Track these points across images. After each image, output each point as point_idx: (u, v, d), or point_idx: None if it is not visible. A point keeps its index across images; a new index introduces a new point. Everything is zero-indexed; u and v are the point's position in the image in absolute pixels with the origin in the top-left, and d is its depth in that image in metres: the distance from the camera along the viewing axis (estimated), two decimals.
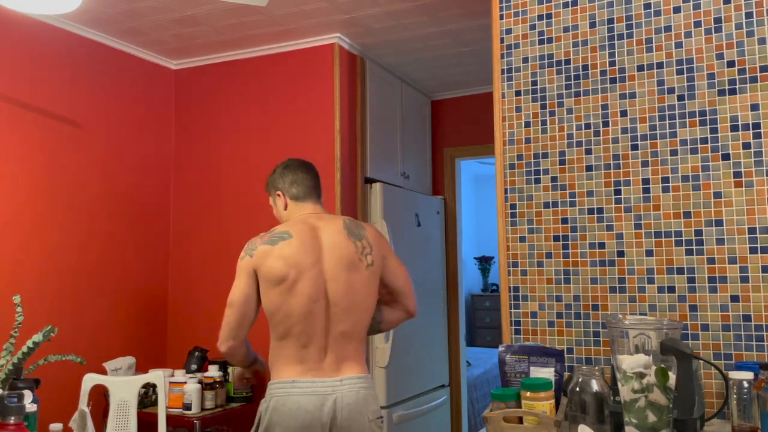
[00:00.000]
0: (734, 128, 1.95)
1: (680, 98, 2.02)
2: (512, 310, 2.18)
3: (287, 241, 2.21)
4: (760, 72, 1.94)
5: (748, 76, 1.95)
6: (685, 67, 2.02)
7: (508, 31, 2.26)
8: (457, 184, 4.71)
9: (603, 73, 2.12)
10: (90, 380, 2.93)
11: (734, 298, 1.91)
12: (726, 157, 1.96)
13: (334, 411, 2.12)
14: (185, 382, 3.28)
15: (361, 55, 3.84)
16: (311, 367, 2.16)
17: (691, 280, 1.96)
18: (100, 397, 3.28)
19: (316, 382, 2.14)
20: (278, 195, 2.44)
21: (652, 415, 1.41)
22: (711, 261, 1.95)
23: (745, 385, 1.57)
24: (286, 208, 2.43)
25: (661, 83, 2.05)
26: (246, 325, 2.22)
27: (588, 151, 2.12)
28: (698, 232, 1.97)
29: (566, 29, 2.18)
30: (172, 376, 3.40)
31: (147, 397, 3.37)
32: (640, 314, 2.01)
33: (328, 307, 2.20)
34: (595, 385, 1.58)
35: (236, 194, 3.80)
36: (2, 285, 3.04)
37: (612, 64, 2.11)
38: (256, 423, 2.18)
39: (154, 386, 3.38)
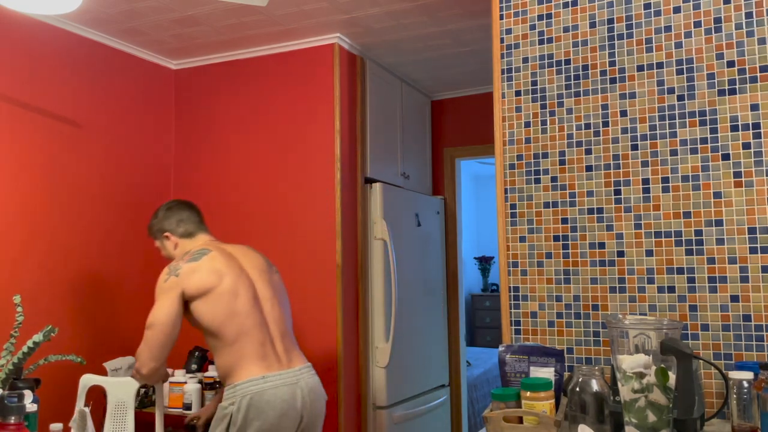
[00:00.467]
0: (734, 128, 1.96)
1: (680, 98, 2.02)
2: (512, 310, 2.18)
3: (209, 255, 2.42)
4: (760, 72, 1.94)
5: (748, 76, 1.95)
6: (685, 67, 2.02)
7: (508, 31, 2.26)
8: (457, 184, 4.71)
9: (603, 73, 2.12)
10: (87, 381, 2.92)
11: (734, 298, 1.91)
12: (726, 157, 1.96)
13: (302, 397, 2.35)
14: (185, 382, 3.28)
15: (361, 55, 3.84)
16: (273, 361, 2.36)
17: (691, 280, 1.96)
18: (101, 397, 3.28)
19: (283, 374, 2.34)
20: (166, 237, 2.61)
21: (652, 415, 1.41)
22: (711, 261, 1.95)
23: (745, 385, 1.57)
24: (176, 247, 2.60)
25: (661, 83, 2.05)
26: (169, 346, 2.34)
27: (588, 151, 2.12)
28: (698, 232, 1.97)
29: (566, 29, 2.18)
30: (172, 376, 3.40)
31: (147, 397, 3.37)
32: (640, 314, 2.01)
33: (262, 306, 2.45)
34: (595, 385, 1.58)
35: (236, 194, 3.80)
36: (2, 285, 3.04)
37: (612, 64, 2.11)
38: (225, 425, 2.28)
39: (153, 386, 3.38)
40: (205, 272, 2.37)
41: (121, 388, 2.99)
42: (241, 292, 2.40)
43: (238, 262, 2.48)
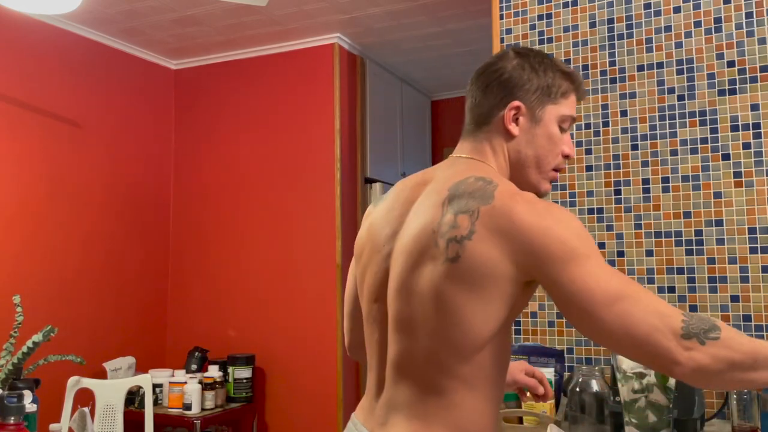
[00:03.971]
0: (734, 128, 1.95)
1: (680, 98, 2.02)
2: None
3: (382, 201, 1.31)
4: (760, 72, 1.93)
5: (748, 76, 1.95)
6: (685, 67, 2.02)
7: (508, 31, 2.26)
8: None
9: (603, 73, 2.12)
10: (74, 382, 2.91)
11: (734, 298, 1.91)
12: (726, 157, 1.96)
13: None
14: (185, 382, 3.28)
15: (361, 55, 3.84)
16: (365, 402, 1.24)
17: (691, 280, 1.96)
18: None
19: (359, 427, 1.21)
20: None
21: (652, 415, 1.41)
22: (711, 261, 1.95)
23: None
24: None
25: (661, 83, 2.05)
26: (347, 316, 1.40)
27: (588, 151, 2.12)
28: (698, 232, 1.97)
29: (566, 29, 2.18)
30: (172, 376, 3.40)
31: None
32: None
33: (386, 315, 1.18)
34: (595, 385, 1.58)
35: (236, 194, 3.80)
36: (2, 285, 3.04)
37: (612, 64, 2.11)
38: None
39: (154, 386, 3.38)
40: (362, 228, 1.35)
41: (109, 391, 2.98)
42: (368, 282, 1.26)
43: (399, 227, 1.20)
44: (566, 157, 1.20)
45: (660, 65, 2.05)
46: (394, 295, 1.13)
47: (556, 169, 1.21)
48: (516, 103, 1.17)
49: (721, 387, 1.01)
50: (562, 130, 1.18)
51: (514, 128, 1.17)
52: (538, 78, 1.18)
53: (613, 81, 2.10)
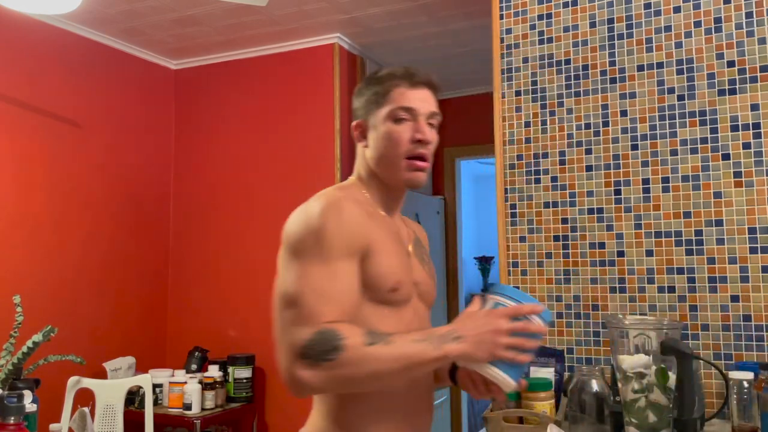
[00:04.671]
0: (734, 128, 1.95)
1: (680, 98, 2.02)
2: None
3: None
4: (760, 72, 1.93)
5: (748, 76, 1.95)
6: (685, 67, 2.02)
7: (508, 31, 2.25)
8: (457, 184, 4.71)
9: (603, 73, 2.12)
10: (74, 382, 2.91)
11: (734, 298, 1.91)
12: (726, 157, 1.96)
13: None
14: (185, 382, 3.28)
15: (361, 55, 3.84)
16: None
17: (691, 280, 1.96)
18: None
19: None
20: None
21: (653, 415, 1.41)
22: (711, 261, 1.95)
23: (745, 385, 1.57)
24: None
25: (661, 83, 2.05)
26: None
27: (588, 151, 2.12)
28: (698, 232, 1.97)
29: (566, 29, 2.18)
30: (172, 376, 3.40)
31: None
32: (640, 314, 2.01)
33: None
34: (595, 385, 1.58)
35: (236, 194, 3.80)
36: (2, 285, 3.04)
37: (612, 64, 2.11)
38: None
39: (155, 386, 3.38)
40: None
41: (109, 391, 2.98)
42: None
43: None
44: (418, 141, 1.31)
45: (660, 65, 2.05)
46: None
47: (412, 157, 1.32)
48: (353, 123, 1.40)
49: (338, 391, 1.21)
50: (401, 121, 1.32)
51: (360, 142, 1.38)
52: (363, 96, 1.38)
53: (613, 81, 2.10)
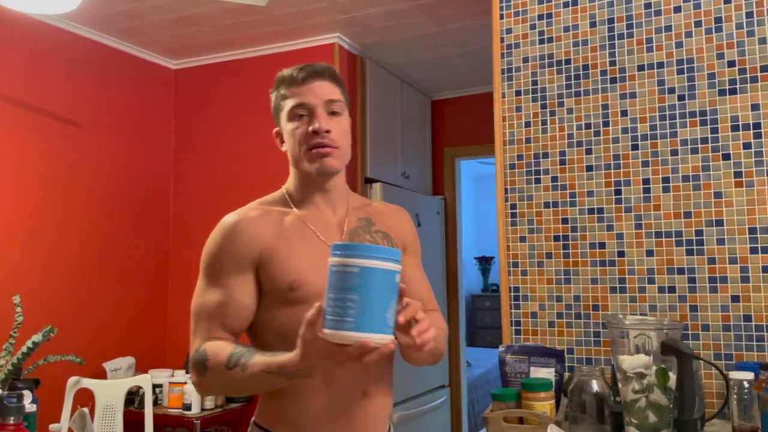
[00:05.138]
0: (735, 128, 1.95)
1: (680, 98, 2.02)
2: (512, 311, 2.17)
3: None
4: (761, 72, 1.93)
5: (748, 75, 1.95)
6: (685, 66, 2.02)
7: (508, 31, 2.25)
8: (457, 184, 4.71)
9: (603, 72, 2.12)
10: (74, 382, 2.91)
11: (735, 299, 1.91)
12: (726, 157, 1.95)
13: None
14: (185, 383, 3.28)
15: (361, 54, 3.83)
16: None
17: (692, 280, 1.96)
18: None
19: None
20: None
21: (653, 415, 1.41)
22: (711, 261, 1.94)
23: (746, 385, 1.57)
24: None
25: (661, 83, 2.04)
26: None
27: (588, 151, 2.12)
28: (698, 232, 1.97)
29: (566, 29, 2.18)
30: (172, 376, 3.40)
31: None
32: (641, 314, 2.00)
33: None
34: (595, 386, 1.58)
35: (236, 194, 3.80)
36: (2, 285, 3.04)
37: (612, 63, 2.11)
38: None
39: (154, 386, 3.38)
40: None
41: (108, 391, 2.98)
42: None
43: None
44: (315, 132, 1.39)
45: (660, 65, 2.05)
46: None
47: (313, 147, 1.40)
48: (273, 131, 1.56)
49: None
50: (299, 117, 1.43)
51: (282, 147, 1.52)
52: (271, 106, 1.53)
53: (613, 81, 2.10)
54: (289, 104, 1.45)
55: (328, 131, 1.40)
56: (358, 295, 1.02)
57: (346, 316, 1.02)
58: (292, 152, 1.45)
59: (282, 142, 1.51)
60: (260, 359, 1.21)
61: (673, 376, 1.41)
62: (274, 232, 1.36)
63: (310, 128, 1.40)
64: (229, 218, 1.38)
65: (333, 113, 1.45)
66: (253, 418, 1.43)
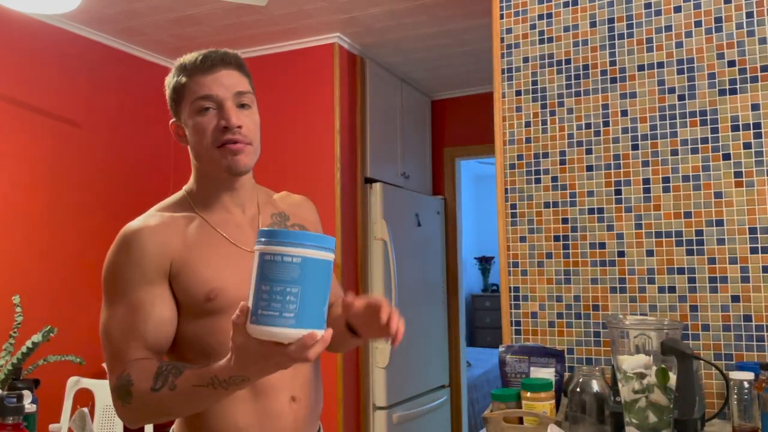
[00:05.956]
0: (735, 128, 1.95)
1: (681, 98, 2.02)
2: (512, 311, 2.17)
3: None
4: (761, 72, 1.93)
5: (748, 75, 1.95)
6: (685, 66, 2.02)
7: (509, 31, 2.25)
8: (457, 184, 4.71)
9: (603, 72, 2.12)
10: (74, 383, 2.90)
11: (735, 299, 1.91)
12: (726, 157, 1.95)
13: None
14: None
15: (361, 54, 3.83)
16: None
17: (692, 280, 1.96)
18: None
19: None
20: None
21: (653, 415, 1.40)
22: (711, 261, 1.94)
23: (746, 385, 1.57)
24: None
25: (661, 83, 2.04)
26: None
27: (588, 151, 2.12)
28: (699, 232, 1.97)
29: (566, 29, 2.18)
30: None
31: None
32: (641, 314, 2.00)
33: None
34: (595, 386, 1.58)
35: None
36: (2, 285, 3.04)
37: (612, 63, 2.11)
38: None
39: None
40: None
41: (108, 391, 2.97)
42: None
43: None
44: (225, 128, 1.24)
45: (660, 65, 2.05)
46: None
47: (224, 144, 1.25)
48: (169, 123, 1.37)
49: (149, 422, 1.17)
50: (205, 110, 1.26)
51: (182, 142, 1.35)
52: (166, 94, 1.36)
53: (613, 81, 2.10)
54: (191, 95, 1.28)
55: (239, 126, 1.25)
56: (300, 287, 0.92)
57: (285, 311, 0.92)
58: (196, 149, 1.29)
59: (180, 136, 1.34)
60: (190, 373, 1.08)
61: (673, 376, 1.41)
62: (181, 240, 1.25)
63: (222, 123, 1.25)
64: (129, 228, 1.26)
65: (242, 105, 1.28)
66: (170, 429, 1.33)
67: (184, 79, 1.29)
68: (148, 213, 1.33)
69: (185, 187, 1.37)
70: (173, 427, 1.31)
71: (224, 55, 1.29)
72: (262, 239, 0.95)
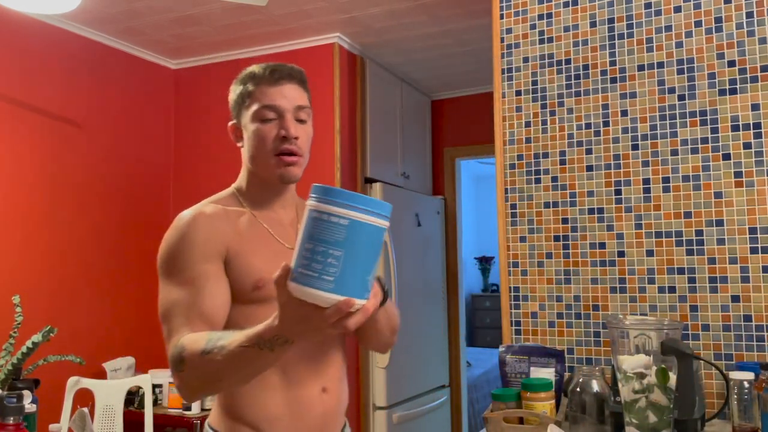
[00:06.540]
0: (735, 128, 1.95)
1: (681, 98, 2.02)
2: (512, 311, 2.17)
3: None
4: (761, 72, 1.93)
5: (748, 75, 1.95)
6: (685, 66, 2.02)
7: (509, 31, 2.25)
8: (457, 184, 4.71)
9: (603, 72, 2.12)
10: (74, 382, 2.90)
11: (735, 299, 1.91)
12: (726, 157, 1.95)
13: None
14: None
15: (361, 54, 3.83)
16: None
17: (692, 280, 1.96)
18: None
19: None
20: None
21: (653, 415, 1.40)
22: (711, 261, 1.94)
23: (746, 385, 1.57)
24: None
25: (661, 83, 2.04)
26: None
27: (588, 151, 2.12)
28: (699, 232, 1.97)
29: (566, 29, 2.18)
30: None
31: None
32: (641, 314, 2.00)
33: None
34: (595, 386, 1.58)
35: None
36: (2, 285, 3.04)
37: (612, 63, 2.11)
38: None
39: (154, 386, 3.38)
40: None
41: (108, 391, 2.98)
42: None
43: None
44: (284, 138, 1.35)
45: (660, 65, 2.05)
46: None
47: (281, 153, 1.36)
48: (228, 125, 1.47)
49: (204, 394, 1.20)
50: (267, 121, 1.36)
51: (238, 143, 1.47)
52: (231, 98, 1.43)
53: (613, 81, 2.10)
54: (256, 103, 1.38)
55: (296, 138, 1.38)
56: (344, 251, 0.88)
57: (324, 273, 0.87)
58: (252, 152, 1.40)
59: (237, 137, 1.45)
60: (238, 335, 1.09)
61: (673, 376, 1.41)
62: (234, 231, 1.34)
63: (282, 132, 1.36)
64: (185, 214, 1.35)
65: (300, 120, 1.42)
66: (207, 421, 1.38)
67: (251, 87, 1.38)
68: (201, 203, 1.43)
69: (234, 185, 1.49)
70: (209, 419, 1.37)
71: (291, 70, 1.41)
72: (314, 195, 0.91)
